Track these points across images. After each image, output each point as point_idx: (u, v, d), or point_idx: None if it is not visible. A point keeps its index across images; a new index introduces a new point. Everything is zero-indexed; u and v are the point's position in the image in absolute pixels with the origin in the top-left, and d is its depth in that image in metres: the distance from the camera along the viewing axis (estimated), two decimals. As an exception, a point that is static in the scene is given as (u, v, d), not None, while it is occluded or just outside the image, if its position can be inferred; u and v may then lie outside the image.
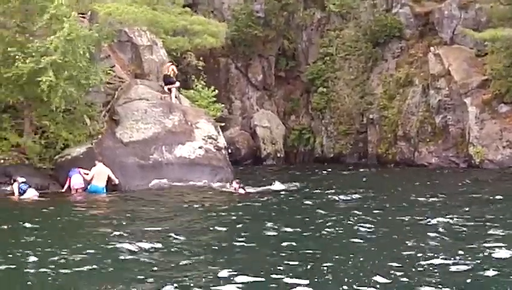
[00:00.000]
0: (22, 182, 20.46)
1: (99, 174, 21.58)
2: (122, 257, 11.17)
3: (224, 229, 14.55)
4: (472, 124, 31.68)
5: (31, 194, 20.21)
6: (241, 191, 21.77)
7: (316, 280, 9.63)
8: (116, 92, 24.61)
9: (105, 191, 21.34)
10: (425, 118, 33.87)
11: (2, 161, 21.97)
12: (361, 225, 14.55)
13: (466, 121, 32.24)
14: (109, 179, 21.61)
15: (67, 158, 22.38)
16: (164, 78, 25.80)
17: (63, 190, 21.49)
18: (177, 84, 25.53)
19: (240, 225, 15.10)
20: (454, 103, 32.91)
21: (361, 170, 31.88)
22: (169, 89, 25.28)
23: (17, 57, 20.67)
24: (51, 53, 20.53)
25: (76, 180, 21.27)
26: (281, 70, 40.49)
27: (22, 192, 20.29)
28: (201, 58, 33.36)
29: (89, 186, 21.43)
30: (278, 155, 38.61)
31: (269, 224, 14.68)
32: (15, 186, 20.49)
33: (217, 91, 29.57)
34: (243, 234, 13.67)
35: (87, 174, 21.46)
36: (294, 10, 38.80)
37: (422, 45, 35.70)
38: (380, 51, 36.80)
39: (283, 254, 11.47)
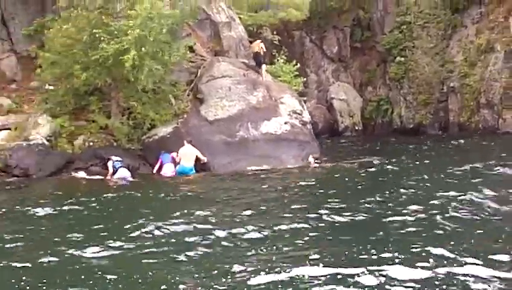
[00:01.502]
0: (117, 161, 20.71)
1: (187, 155, 21.53)
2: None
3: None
4: (559, 88, 30.74)
5: (123, 173, 20.42)
6: (316, 165, 21.67)
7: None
8: (198, 71, 24.65)
9: (194, 171, 21.32)
10: (508, 84, 32.91)
11: (91, 143, 22.29)
12: None
13: (552, 86, 31.30)
14: (197, 159, 21.61)
15: (154, 138, 22.55)
16: (254, 57, 25.65)
17: (154, 172, 21.62)
18: (264, 66, 25.28)
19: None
20: (539, 67, 31.95)
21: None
22: (260, 66, 25.11)
23: (102, 38, 20.84)
24: (132, 31, 20.61)
25: (168, 169, 21.30)
26: (356, 41, 40.01)
27: (115, 170, 20.54)
28: (274, 32, 33.12)
29: (177, 167, 21.47)
30: (356, 128, 38.24)
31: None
32: (109, 164, 20.73)
33: (298, 65, 29.29)
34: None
35: (177, 155, 21.52)
36: (369, -21, 38.17)
37: (503, 10, 34.54)
38: (459, 17, 35.86)
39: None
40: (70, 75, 21.93)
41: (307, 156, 22.46)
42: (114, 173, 20.55)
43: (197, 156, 21.55)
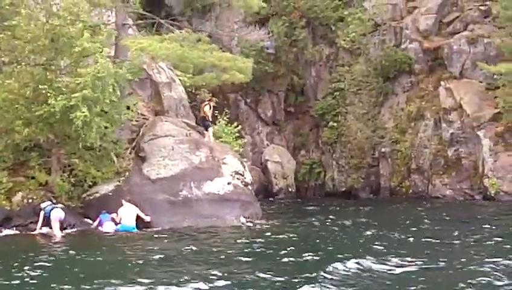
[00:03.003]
0: (46, 206, 20.50)
1: (127, 214, 21.46)
2: None
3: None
4: (486, 157, 31.93)
5: (57, 214, 20.25)
6: (250, 224, 22.06)
7: None
8: (141, 129, 24.64)
9: (135, 229, 21.17)
10: (438, 151, 34.16)
11: (30, 200, 21.85)
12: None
13: (479, 154, 32.50)
14: (139, 217, 21.49)
15: (95, 196, 22.36)
16: (201, 119, 25.99)
17: (93, 226, 21.47)
18: (211, 129, 25.67)
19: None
20: (467, 135, 33.25)
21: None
22: (206, 129, 25.43)
23: (48, 94, 20.65)
24: (81, 89, 20.51)
25: (108, 227, 21.13)
26: (290, 105, 40.76)
27: (47, 216, 20.31)
28: (210, 94, 33.42)
29: (118, 226, 21.27)
30: (290, 190, 38.57)
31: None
32: (41, 214, 20.51)
33: (240, 126, 29.66)
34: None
35: (117, 215, 21.39)
36: (303, 46, 39.00)
37: (432, 80, 36.07)
38: (390, 85, 37.17)
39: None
40: (11, 130, 21.56)
41: (250, 216, 22.69)
42: (47, 218, 20.31)
43: (137, 214, 21.46)
